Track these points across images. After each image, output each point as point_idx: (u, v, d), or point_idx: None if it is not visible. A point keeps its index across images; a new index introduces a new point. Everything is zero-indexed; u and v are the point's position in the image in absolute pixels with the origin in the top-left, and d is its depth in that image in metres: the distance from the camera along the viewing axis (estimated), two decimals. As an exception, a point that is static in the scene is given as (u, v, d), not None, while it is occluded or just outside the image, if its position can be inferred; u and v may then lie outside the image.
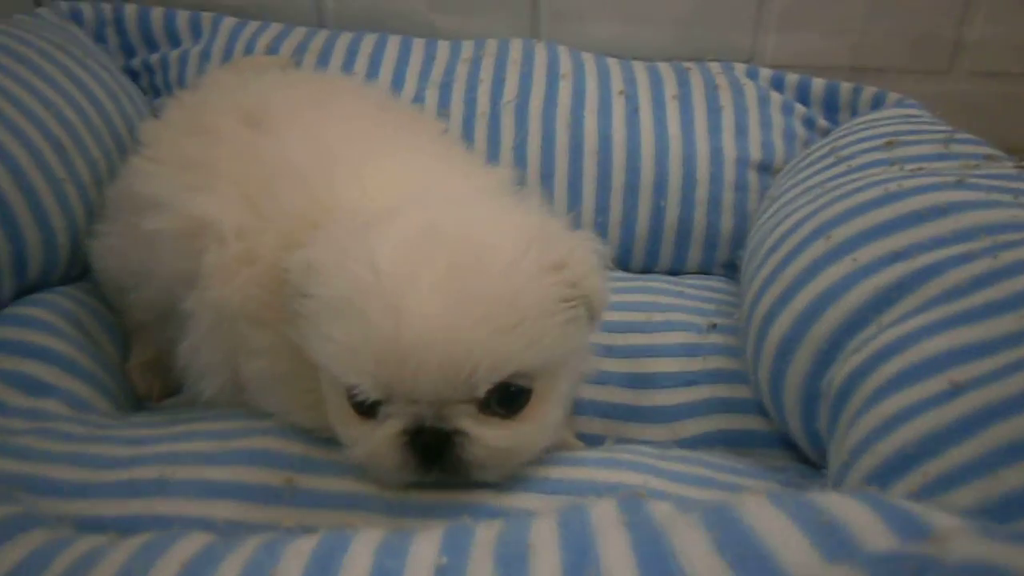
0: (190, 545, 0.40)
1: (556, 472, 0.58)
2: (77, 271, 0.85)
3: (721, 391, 0.75)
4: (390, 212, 0.57)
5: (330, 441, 0.62)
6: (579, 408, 0.75)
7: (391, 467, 0.55)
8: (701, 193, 0.92)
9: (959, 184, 0.64)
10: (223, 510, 0.57)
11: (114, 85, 0.94)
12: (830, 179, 0.75)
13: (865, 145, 0.79)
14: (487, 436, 0.54)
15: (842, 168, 0.76)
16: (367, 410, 0.55)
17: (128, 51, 1.06)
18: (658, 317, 0.82)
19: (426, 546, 0.38)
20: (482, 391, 0.52)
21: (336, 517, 0.57)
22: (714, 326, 0.81)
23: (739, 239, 0.94)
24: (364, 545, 0.39)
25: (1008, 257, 0.55)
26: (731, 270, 0.96)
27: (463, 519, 0.42)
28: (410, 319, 0.50)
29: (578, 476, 0.58)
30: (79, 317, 0.79)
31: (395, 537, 0.39)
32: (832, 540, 0.30)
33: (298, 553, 0.38)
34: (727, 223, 0.94)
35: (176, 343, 0.74)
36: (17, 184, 0.76)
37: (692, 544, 0.32)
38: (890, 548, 0.29)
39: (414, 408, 0.53)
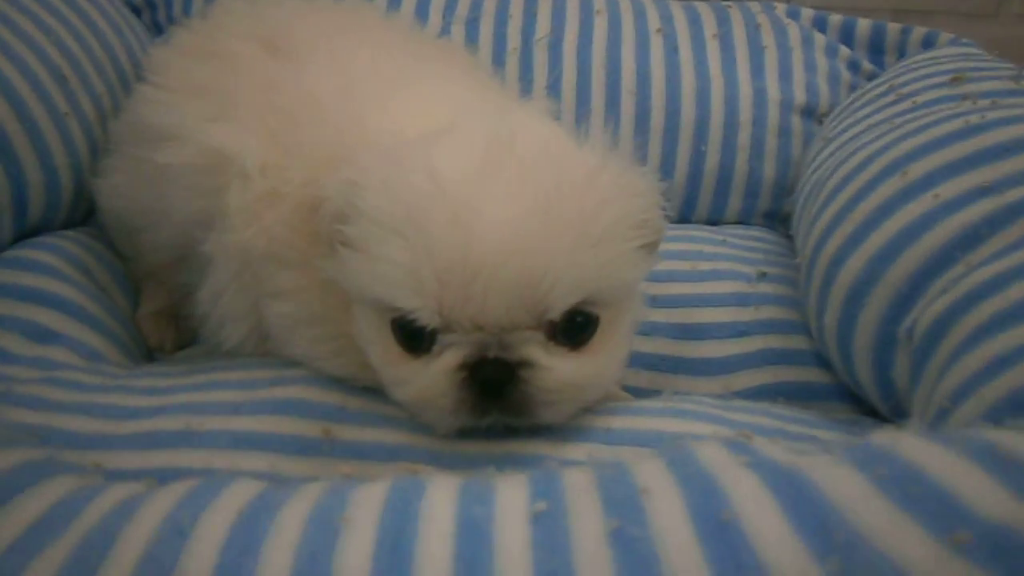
0: (243, 491, 0.35)
1: (618, 422, 0.54)
2: (80, 214, 0.80)
3: (775, 342, 0.70)
4: (443, 130, 0.51)
5: (366, 390, 0.57)
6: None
7: (445, 408, 0.49)
8: (743, 138, 0.87)
9: (1047, 115, 0.60)
10: (256, 462, 0.53)
11: (117, 16, 0.87)
12: (897, 115, 0.70)
13: (930, 82, 0.74)
14: (556, 367, 0.49)
15: (907, 104, 0.71)
16: (417, 345, 0.50)
17: (126, -14, 0.99)
18: (703, 266, 0.78)
19: (513, 492, 0.34)
20: (556, 313, 0.47)
21: (381, 469, 0.52)
22: (764, 275, 0.76)
23: (781, 188, 0.89)
24: (442, 491, 0.34)
25: (1112, 190, 0.51)
26: (771, 220, 0.92)
27: (544, 465, 0.37)
28: (480, 230, 0.45)
29: (643, 426, 0.54)
30: (85, 262, 0.73)
31: (475, 483, 0.35)
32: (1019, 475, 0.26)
33: (369, 498, 0.33)
34: (769, 171, 0.89)
35: (193, 289, 0.69)
36: (18, 117, 0.70)
37: (848, 483, 0.28)
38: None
39: (477, 336, 0.47)
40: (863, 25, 0.94)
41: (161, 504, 0.34)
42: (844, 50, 0.93)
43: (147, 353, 0.75)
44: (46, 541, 0.33)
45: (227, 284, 0.62)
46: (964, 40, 0.86)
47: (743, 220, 0.92)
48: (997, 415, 0.44)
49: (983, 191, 0.56)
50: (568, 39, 0.88)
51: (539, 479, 0.35)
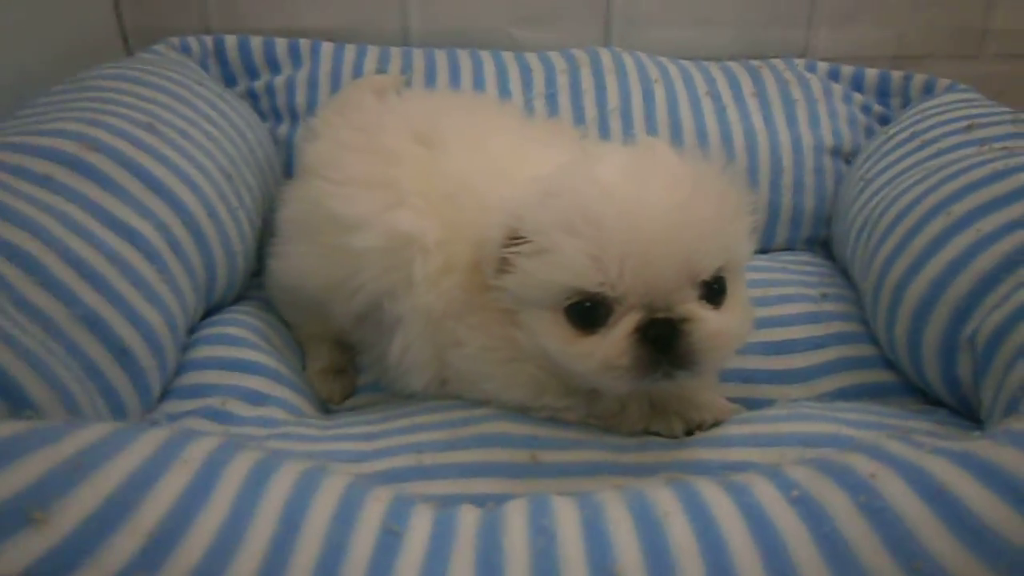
0: (569, 503, 0.49)
1: (761, 428, 0.69)
2: (243, 290, 0.92)
3: (846, 351, 0.86)
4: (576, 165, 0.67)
5: (558, 422, 0.71)
6: (723, 376, 0.86)
7: (624, 367, 0.60)
8: (787, 179, 1.04)
9: (1054, 160, 0.76)
10: (482, 487, 0.66)
11: (247, 115, 1.00)
12: (927, 158, 0.86)
13: (947, 128, 0.90)
14: (710, 319, 0.61)
15: (933, 150, 0.87)
16: (592, 323, 0.62)
17: (229, 79, 1.12)
18: (774, 291, 0.93)
19: (664, 497, 0.48)
20: (708, 275, 0.61)
21: (579, 484, 0.66)
22: (825, 295, 0.92)
23: (819, 218, 1.06)
24: (616, 503, 0.48)
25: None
26: (811, 245, 1.08)
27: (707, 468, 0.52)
28: (644, 221, 0.58)
29: (782, 430, 0.68)
30: (264, 332, 0.86)
31: (636, 493, 0.49)
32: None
33: (566, 504, 0.48)
34: (809, 204, 1.05)
35: (368, 348, 0.82)
36: (207, 212, 0.82)
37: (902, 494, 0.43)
38: None
39: (647, 300, 0.60)
40: (871, 74, 1.11)
41: (515, 514, 0.48)
42: (857, 96, 1.10)
43: (321, 405, 0.88)
44: (446, 551, 0.46)
45: (414, 339, 0.75)
46: (961, 85, 1.03)
47: (789, 247, 1.08)
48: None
49: (1016, 224, 0.72)
50: (636, 106, 1.03)
51: (679, 488, 0.49)
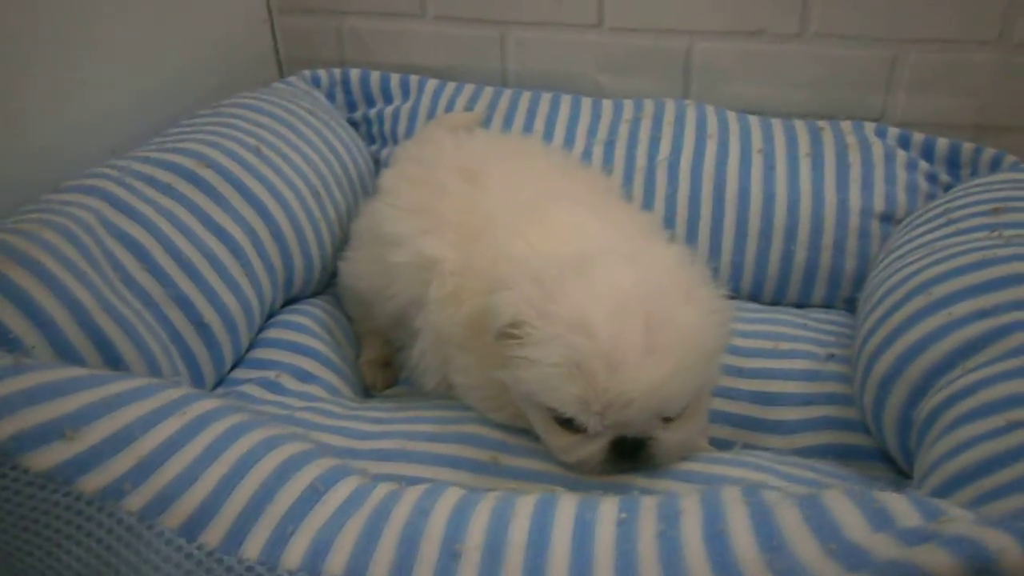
0: (454, 493, 0.61)
1: (697, 467, 0.77)
2: (322, 286, 1.11)
3: (834, 411, 0.90)
4: (575, 268, 0.73)
5: (520, 431, 0.83)
6: (713, 418, 0.93)
7: (595, 467, 0.73)
8: (827, 239, 1.07)
9: (1046, 254, 0.77)
10: (447, 475, 0.79)
11: (347, 139, 1.20)
12: (938, 239, 0.89)
13: (974, 209, 0.91)
14: (670, 438, 0.72)
15: (951, 230, 0.89)
16: (570, 427, 0.71)
17: (351, 106, 1.32)
18: (784, 345, 0.98)
19: (610, 506, 0.58)
20: (674, 414, 0.71)
21: (532, 487, 0.78)
22: (832, 355, 0.96)
23: (860, 278, 1.08)
24: (568, 502, 0.59)
25: (1073, 322, 0.69)
26: (851, 305, 1.10)
27: (632, 493, 0.61)
28: (629, 375, 0.66)
29: (714, 471, 0.76)
30: (327, 323, 1.05)
31: (589, 498, 0.60)
32: (879, 517, 0.48)
33: (526, 503, 0.59)
34: (850, 265, 1.08)
35: (403, 345, 0.98)
36: (290, 223, 1.02)
37: (788, 515, 0.50)
38: (915, 524, 0.46)
39: (624, 428, 0.70)
40: (941, 144, 1.11)
41: (411, 496, 0.61)
42: (924, 164, 1.11)
43: (364, 390, 1.05)
44: (351, 511, 0.60)
45: (427, 348, 0.90)
46: (1022, 165, 1.02)
47: (827, 303, 1.11)
48: (951, 485, 0.64)
49: (983, 313, 0.75)
50: (684, 159, 1.11)
51: (626, 500, 0.59)
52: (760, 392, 0.94)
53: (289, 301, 1.07)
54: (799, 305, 1.12)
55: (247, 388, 0.92)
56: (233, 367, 0.96)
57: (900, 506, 0.49)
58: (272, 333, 1.00)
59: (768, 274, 1.10)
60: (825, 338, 1.00)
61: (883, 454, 0.86)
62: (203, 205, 0.94)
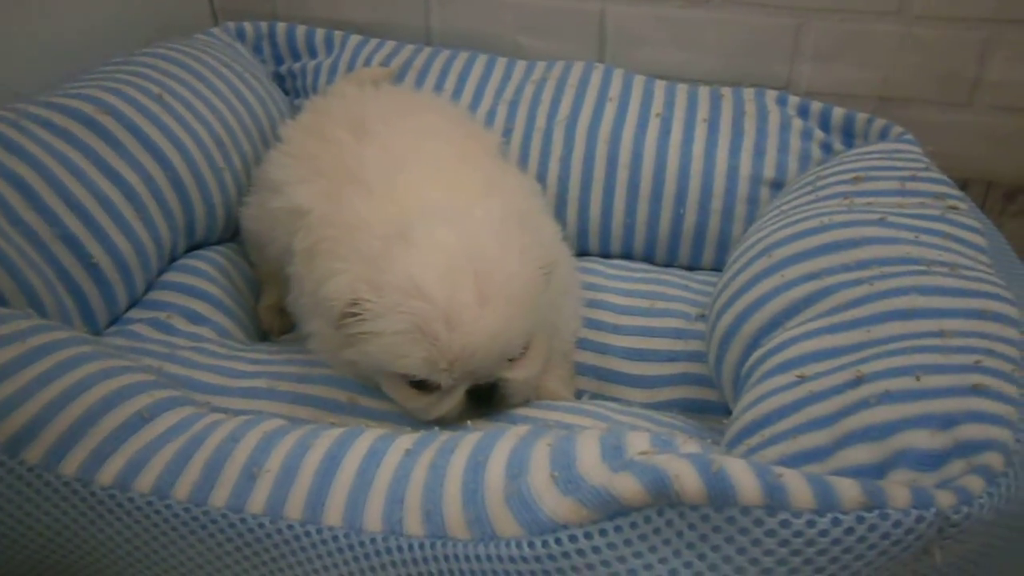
0: (271, 423, 0.66)
1: (534, 412, 0.81)
2: (229, 234, 1.15)
3: (693, 368, 0.94)
4: (401, 232, 0.76)
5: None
6: (581, 370, 0.97)
7: (455, 416, 0.77)
8: (716, 204, 1.10)
9: (879, 221, 0.80)
10: (307, 414, 0.83)
11: (263, 92, 1.22)
12: (798, 207, 0.91)
13: (839, 177, 0.94)
14: (518, 375, 0.78)
15: (810, 198, 0.92)
16: (425, 388, 0.76)
17: (278, 60, 1.35)
18: (660, 304, 1.02)
19: (404, 440, 0.62)
20: (515, 354, 0.77)
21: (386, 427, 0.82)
22: (702, 316, 0.99)
23: (749, 244, 1.11)
24: (369, 435, 0.63)
25: (880, 285, 0.72)
26: (742, 269, 1.14)
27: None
28: (467, 330, 0.71)
29: (550, 417, 0.80)
30: (226, 269, 1.09)
31: (389, 433, 0.64)
32: (612, 450, 0.52)
33: (330, 435, 0.63)
34: (738, 229, 1.11)
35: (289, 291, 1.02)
36: (190, 170, 1.05)
37: (541, 447, 0.55)
38: (634, 455, 0.50)
39: (472, 377, 0.75)
40: (838, 113, 1.13)
41: (230, 424, 0.65)
42: (819, 133, 1.13)
43: (262, 335, 1.09)
44: (171, 437, 0.65)
45: (297, 296, 0.93)
46: (907, 136, 1.03)
47: (717, 267, 1.14)
48: (743, 433, 0.68)
49: (811, 276, 0.78)
50: (582, 121, 1.13)
51: (421, 436, 0.63)
52: (630, 348, 0.98)
53: (194, 247, 1.11)
54: (690, 268, 1.15)
55: (137, 327, 0.96)
56: (130, 308, 1.01)
57: (637, 442, 0.53)
58: (169, 276, 1.04)
59: (659, 236, 1.13)
60: (703, 299, 1.03)
61: (728, 409, 0.90)
62: (98, 149, 0.97)
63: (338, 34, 1.32)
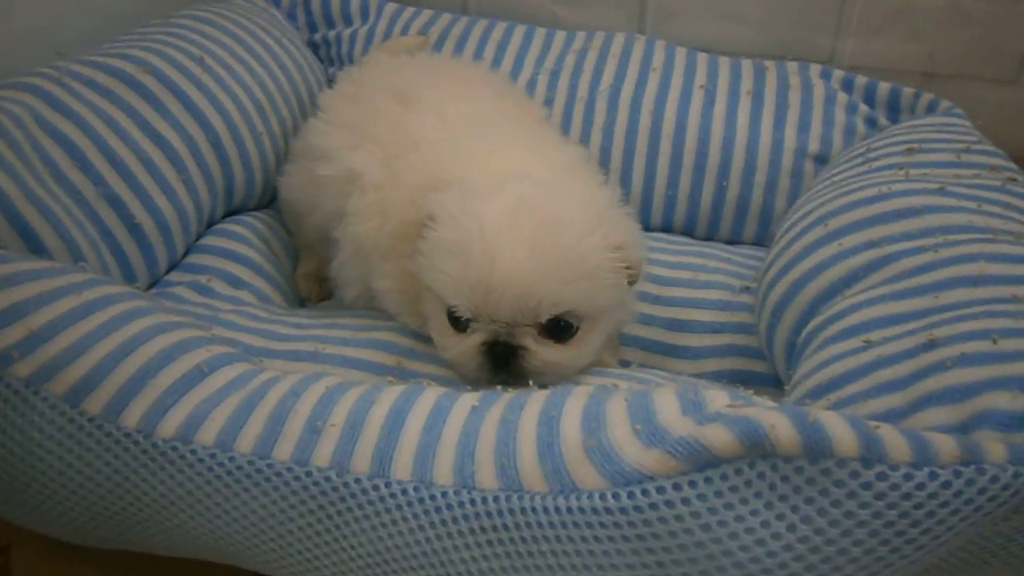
0: (331, 380, 0.65)
1: (588, 378, 0.80)
2: (267, 200, 1.14)
3: (740, 339, 0.93)
4: (497, 187, 0.77)
5: (429, 339, 0.86)
6: (626, 341, 0.96)
7: (472, 368, 0.76)
8: (760, 177, 1.09)
9: (939, 191, 0.79)
10: (352, 377, 0.82)
11: (300, 59, 1.21)
12: (851, 177, 0.90)
13: (891, 149, 0.93)
14: (542, 352, 0.74)
15: (864, 168, 0.91)
16: (459, 325, 0.76)
17: (312, 27, 1.33)
18: (703, 277, 1.01)
19: (468, 397, 0.62)
20: (543, 318, 0.73)
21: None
22: (747, 288, 0.98)
23: (791, 218, 1.10)
24: (433, 391, 0.62)
25: (945, 253, 0.71)
26: (783, 244, 1.12)
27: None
28: (500, 264, 0.70)
29: (598, 382, 0.80)
30: (265, 235, 1.08)
31: (453, 391, 0.63)
32: (692, 404, 0.51)
33: (393, 391, 0.63)
34: (781, 203, 1.10)
35: (330, 260, 1.01)
36: (231, 134, 1.04)
37: (616, 403, 0.54)
38: (718, 408, 0.49)
39: (493, 326, 0.74)
40: (883, 88, 1.11)
41: (290, 380, 0.65)
42: (864, 108, 1.12)
43: (299, 301, 1.08)
44: (231, 391, 0.64)
45: (347, 260, 0.93)
46: (957, 110, 1.02)
47: (758, 241, 1.13)
48: (803, 399, 0.67)
49: (870, 244, 0.77)
50: (625, 91, 1.12)
51: (485, 394, 0.62)
52: (674, 319, 0.97)
53: (231, 212, 1.10)
54: (731, 242, 1.14)
55: (178, 290, 0.96)
56: (169, 271, 1.00)
57: (716, 397, 0.52)
58: (208, 240, 1.03)
59: (701, 209, 1.12)
60: (746, 272, 1.02)
61: (777, 379, 0.89)
62: (141, 110, 0.96)
63: (374, 1, 1.31)
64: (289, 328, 0.91)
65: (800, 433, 0.44)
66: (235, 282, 0.99)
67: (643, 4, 1.25)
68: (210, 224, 1.07)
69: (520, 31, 1.23)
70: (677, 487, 0.46)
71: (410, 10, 1.29)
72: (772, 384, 0.89)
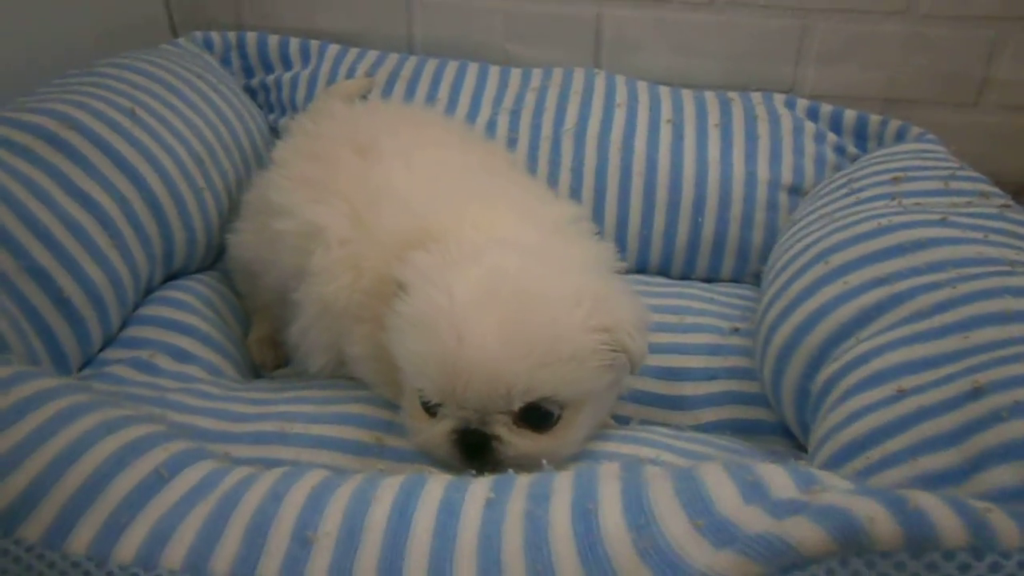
0: (315, 476, 0.56)
1: (596, 445, 0.73)
2: (209, 262, 1.04)
3: (736, 386, 0.88)
4: (475, 254, 0.69)
5: (410, 410, 0.78)
6: (616, 394, 0.90)
7: (443, 457, 0.68)
8: (735, 211, 1.05)
9: (942, 222, 0.76)
10: (328, 458, 0.74)
11: (240, 106, 1.12)
12: (839, 209, 0.87)
13: (877, 179, 0.90)
14: (517, 443, 0.65)
15: (851, 200, 0.88)
16: (430, 409, 0.68)
17: (248, 72, 1.25)
18: (689, 319, 0.96)
19: (480, 487, 0.54)
20: (516, 406, 0.65)
21: (415, 469, 0.73)
22: (736, 329, 0.94)
23: (768, 251, 1.06)
24: (437, 482, 0.54)
25: (964, 288, 0.67)
26: (759, 279, 1.08)
27: (508, 472, 0.57)
28: (469, 345, 0.63)
29: (605, 448, 0.73)
30: (212, 299, 0.98)
31: (459, 479, 0.55)
32: (753, 489, 0.44)
33: (390, 485, 0.54)
34: (758, 237, 1.06)
35: (289, 324, 0.92)
36: (168, 191, 0.95)
37: (661, 490, 0.47)
38: (788, 495, 0.43)
39: (463, 413, 0.65)
40: (849, 115, 1.10)
41: (267, 479, 0.56)
42: (832, 136, 1.10)
43: (254, 369, 0.98)
44: (198, 499, 0.54)
45: (310, 325, 0.84)
46: (929, 136, 1.01)
47: (736, 278, 1.09)
48: (841, 455, 0.62)
49: (879, 281, 0.73)
50: (591, 129, 1.07)
51: (499, 479, 0.55)
52: (664, 368, 0.91)
53: (171, 277, 1.00)
54: (708, 280, 1.09)
55: (116, 369, 0.85)
56: (104, 347, 0.89)
57: (776, 477, 0.46)
58: (148, 310, 0.93)
59: (676, 247, 1.07)
60: (731, 312, 0.98)
61: (784, 428, 0.84)
62: (66, 170, 0.86)
63: (315, 43, 1.23)
64: (247, 405, 0.81)
65: (901, 524, 0.38)
66: (181, 356, 0.89)
67: (598, 39, 1.21)
68: (148, 292, 0.96)
69: (473, 69, 1.17)
70: (759, 595, 0.39)
71: (354, 51, 1.22)
72: (778, 433, 0.84)
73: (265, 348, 0.98)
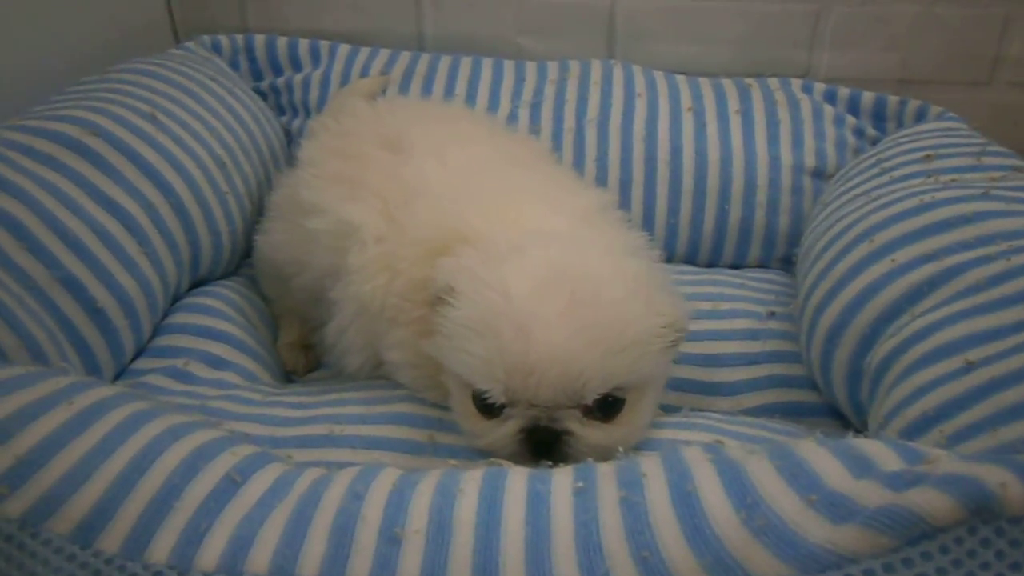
0: (391, 473, 0.55)
1: (657, 433, 0.73)
2: (233, 267, 1.03)
3: (778, 369, 0.88)
4: (518, 249, 0.68)
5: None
6: (656, 383, 0.89)
7: (509, 456, 0.65)
8: (761, 197, 1.05)
9: (984, 195, 0.76)
10: (383, 459, 0.73)
11: (255, 109, 1.11)
12: (874, 188, 0.87)
13: (907, 158, 0.90)
14: (589, 435, 0.64)
15: (885, 179, 0.88)
16: (489, 410, 0.66)
17: (256, 75, 1.23)
18: (723, 306, 0.96)
19: (563, 476, 0.53)
20: (589, 399, 0.64)
21: (471, 464, 0.72)
22: (772, 313, 0.93)
23: (795, 236, 1.06)
24: (518, 474, 0.53)
25: (1018, 260, 0.67)
26: (787, 264, 1.09)
27: (586, 461, 0.56)
28: (537, 340, 0.61)
29: (663, 436, 0.72)
30: (241, 305, 0.96)
31: (540, 471, 0.54)
32: (859, 464, 0.44)
33: (473, 479, 0.53)
34: (784, 222, 1.06)
35: (322, 324, 0.90)
36: (193, 195, 0.93)
37: (761, 470, 0.46)
38: (898, 468, 0.42)
39: (532, 411, 0.64)
40: (867, 97, 1.10)
41: (343, 479, 0.54)
42: (851, 119, 1.10)
43: (285, 375, 0.97)
44: (276, 502, 0.53)
45: (348, 324, 0.82)
46: (950, 115, 1.01)
47: (763, 264, 1.09)
48: (911, 431, 0.61)
49: (927, 257, 0.73)
50: (613, 120, 1.07)
51: (581, 468, 0.54)
52: (703, 354, 0.90)
53: (196, 284, 0.98)
54: (734, 266, 1.09)
55: (152, 378, 0.83)
56: (136, 357, 0.87)
57: (878, 451, 0.45)
58: (178, 318, 0.91)
59: (703, 235, 1.07)
60: (764, 296, 0.97)
61: (830, 409, 0.84)
62: (91, 177, 0.84)
63: (324, 44, 1.21)
64: (291, 410, 0.80)
65: (1031, 488, 0.38)
66: (216, 362, 0.87)
67: (611, 29, 1.21)
68: (175, 300, 0.94)
69: (488, 64, 1.16)
70: (888, 567, 0.39)
71: (366, 50, 1.20)
72: (824, 414, 0.84)
73: (296, 352, 0.97)
